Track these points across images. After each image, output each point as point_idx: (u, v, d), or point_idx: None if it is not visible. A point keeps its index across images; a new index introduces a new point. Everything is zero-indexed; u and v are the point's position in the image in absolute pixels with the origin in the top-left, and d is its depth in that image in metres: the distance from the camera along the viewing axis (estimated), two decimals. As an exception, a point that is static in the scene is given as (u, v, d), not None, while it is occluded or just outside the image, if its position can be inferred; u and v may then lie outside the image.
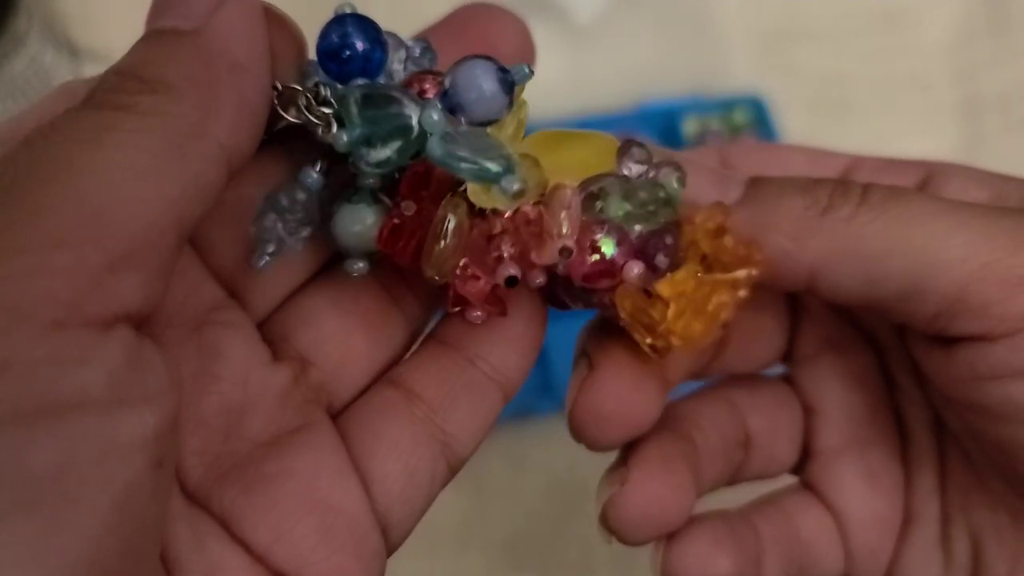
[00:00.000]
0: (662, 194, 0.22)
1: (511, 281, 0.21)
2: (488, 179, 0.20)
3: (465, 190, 0.21)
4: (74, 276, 0.16)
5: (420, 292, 0.24)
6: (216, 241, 0.22)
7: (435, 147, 0.20)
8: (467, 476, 0.46)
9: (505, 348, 0.24)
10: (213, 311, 0.22)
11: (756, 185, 0.23)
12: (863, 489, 0.27)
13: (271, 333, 0.23)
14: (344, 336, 0.23)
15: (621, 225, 0.22)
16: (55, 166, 0.17)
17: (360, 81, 0.21)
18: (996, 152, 0.53)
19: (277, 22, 0.21)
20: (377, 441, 0.22)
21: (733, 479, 0.28)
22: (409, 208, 0.21)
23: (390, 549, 0.22)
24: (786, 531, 0.28)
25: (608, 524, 0.26)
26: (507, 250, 0.22)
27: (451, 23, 0.24)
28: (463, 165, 0.20)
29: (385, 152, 0.20)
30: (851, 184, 0.23)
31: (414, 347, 0.25)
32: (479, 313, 0.23)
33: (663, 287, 0.22)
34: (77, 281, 0.16)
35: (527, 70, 0.21)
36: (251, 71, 0.19)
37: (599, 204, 0.22)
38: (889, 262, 0.22)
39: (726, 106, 0.54)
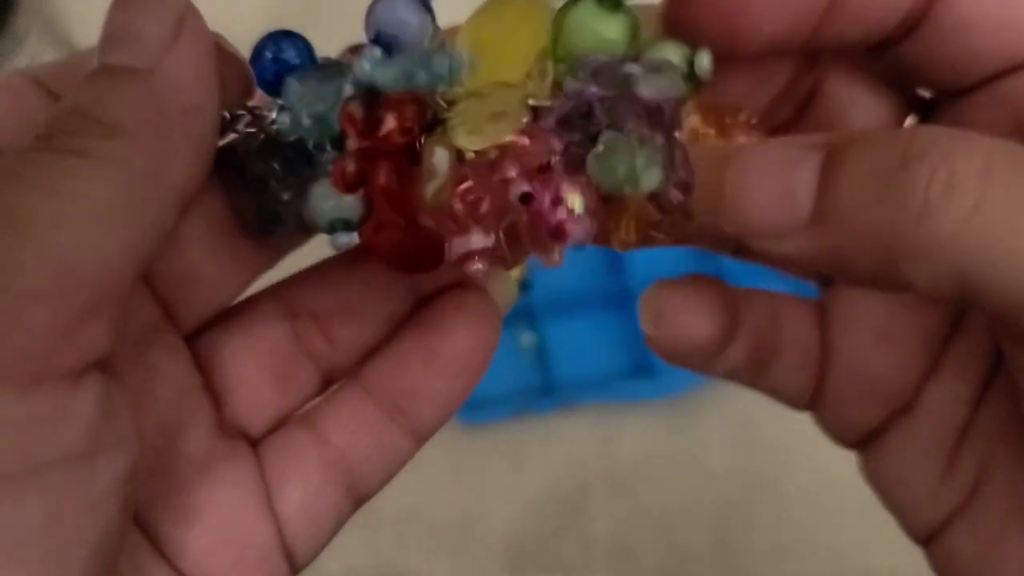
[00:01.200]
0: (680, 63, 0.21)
1: (525, 198, 0.20)
2: (424, 76, 0.20)
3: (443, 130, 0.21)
4: (47, 331, 0.17)
5: (339, 340, 0.24)
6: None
7: (375, 74, 0.21)
8: (467, 475, 0.46)
9: (424, 401, 0.24)
10: (153, 332, 0.22)
11: (829, 185, 0.19)
12: (870, 341, 0.25)
13: (198, 357, 0.24)
14: (255, 383, 0.24)
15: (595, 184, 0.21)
16: (20, 218, 0.17)
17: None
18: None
19: (225, 56, 0.21)
20: (287, 482, 0.23)
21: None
22: (353, 144, 0.21)
23: None
24: (766, 326, 0.26)
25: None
26: (513, 170, 0.21)
27: None
28: (403, 75, 0.20)
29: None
30: (961, 170, 0.18)
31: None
32: (480, 266, 0.21)
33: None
34: (50, 336, 0.17)
35: None
36: (203, 110, 0.20)
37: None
38: (1004, 295, 0.18)
39: (726, 105, 0.54)
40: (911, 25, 0.22)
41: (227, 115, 0.21)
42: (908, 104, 0.24)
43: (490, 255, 0.21)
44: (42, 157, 0.18)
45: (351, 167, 0.21)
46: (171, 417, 0.22)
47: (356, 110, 0.21)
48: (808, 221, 0.19)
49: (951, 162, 0.18)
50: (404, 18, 0.21)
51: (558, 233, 0.21)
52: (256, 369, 0.24)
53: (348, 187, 0.21)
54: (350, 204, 0.21)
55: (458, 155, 0.21)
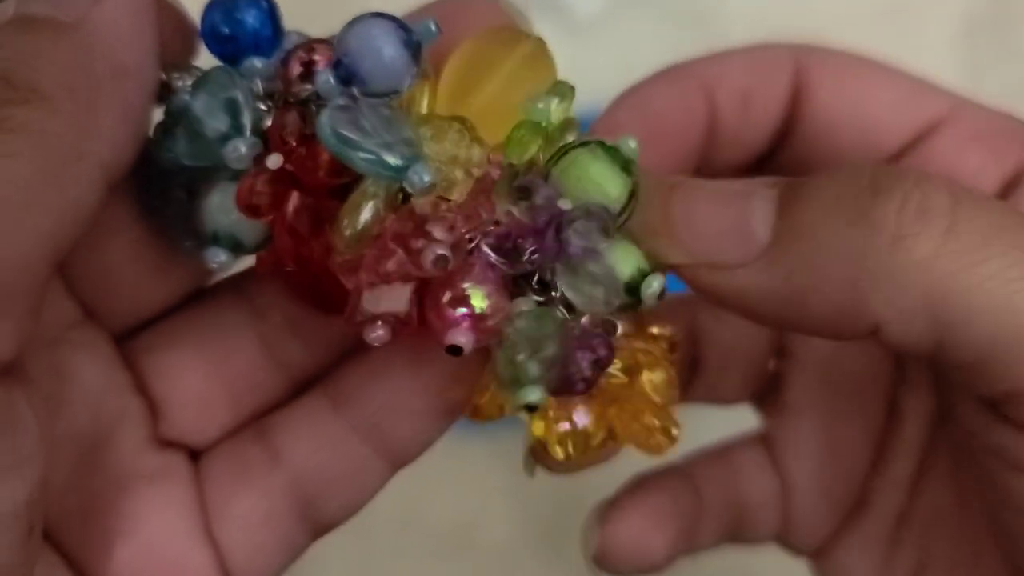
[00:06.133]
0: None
1: (441, 260, 0.17)
2: (388, 175, 0.17)
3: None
4: None
5: (313, 343, 0.21)
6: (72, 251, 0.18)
7: (325, 127, 0.17)
8: (467, 477, 0.46)
9: (403, 418, 0.20)
10: (68, 329, 0.19)
11: (790, 212, 0.18)
12: (820, 460, 0.25)
13: (133, 360, 0.20)
14: (206, 396, 0.21)
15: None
16: None
17: (257, 61, 0.18)
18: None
19: (166, 8, 0.18)
20: (229, 507, 0.20)
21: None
22: (274, 161, 0.18)
23: None
24: (730, 495, 0.25)
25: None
26: (440, 233, 0.17)
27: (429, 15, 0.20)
28: (359, 156, 0.17)
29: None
30: (932, 196, 0.17)
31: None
32: (381, 332, 0.18)
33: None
34: None
35: (433, 27, 0.18)
36: (136, 73, 0.17)
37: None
38: (974, 328, 0.17)
39: (728, 103, 0.53)
40: (782, 137, 0.23)
41: (164, 78, 0.18)
42: None
43: (395, 323, 0.18)
44: None
45: (263, 189, 0.17)
46: (89, 422, 0.19)
47: (293, 124, 0.17)
48: (765, 249, 0.18)
49: (923, 188, 0.17)
50: (380, 50, 0.17)
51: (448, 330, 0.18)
52: (206, 372, 0.20)
53: (252, 211, 0.18)
54: (250, 224, 0.18)
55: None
